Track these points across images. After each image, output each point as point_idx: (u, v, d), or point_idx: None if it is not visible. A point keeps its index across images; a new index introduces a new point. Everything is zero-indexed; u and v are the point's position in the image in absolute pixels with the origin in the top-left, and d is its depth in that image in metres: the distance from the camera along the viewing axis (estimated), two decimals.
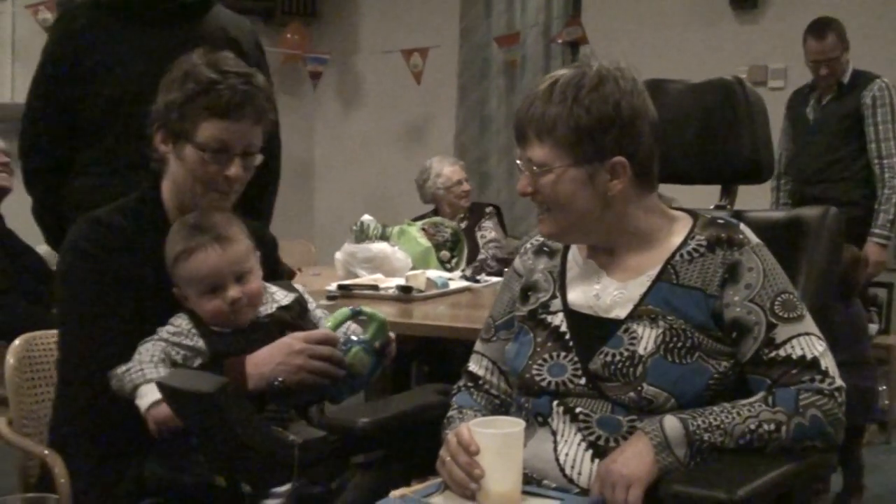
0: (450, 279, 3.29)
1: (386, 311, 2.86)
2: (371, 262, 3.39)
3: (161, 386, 1.36)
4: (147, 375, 1.58)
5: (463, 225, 4.38)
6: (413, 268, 3.39)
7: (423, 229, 3.76)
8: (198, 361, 1.62)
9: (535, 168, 1.53)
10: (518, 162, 1.57)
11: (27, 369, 1.89)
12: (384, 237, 3.57)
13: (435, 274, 3.23)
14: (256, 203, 2.49)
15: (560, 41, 5.58)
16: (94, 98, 2.47)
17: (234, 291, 1.63)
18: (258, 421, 1.40)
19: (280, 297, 1.74)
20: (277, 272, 1.92)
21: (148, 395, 1.56)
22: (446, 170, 4.45)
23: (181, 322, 1.66)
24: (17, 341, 1.91)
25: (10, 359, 1.90)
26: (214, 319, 1.65)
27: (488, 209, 4.46)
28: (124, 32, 2.49)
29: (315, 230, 6.22)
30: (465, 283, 3.31)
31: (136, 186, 1.85)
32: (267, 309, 1.70)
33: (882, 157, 4.07)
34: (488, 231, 4.33)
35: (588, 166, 1.51)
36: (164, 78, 1.74)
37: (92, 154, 2.48)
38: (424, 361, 3.88)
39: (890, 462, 4.04)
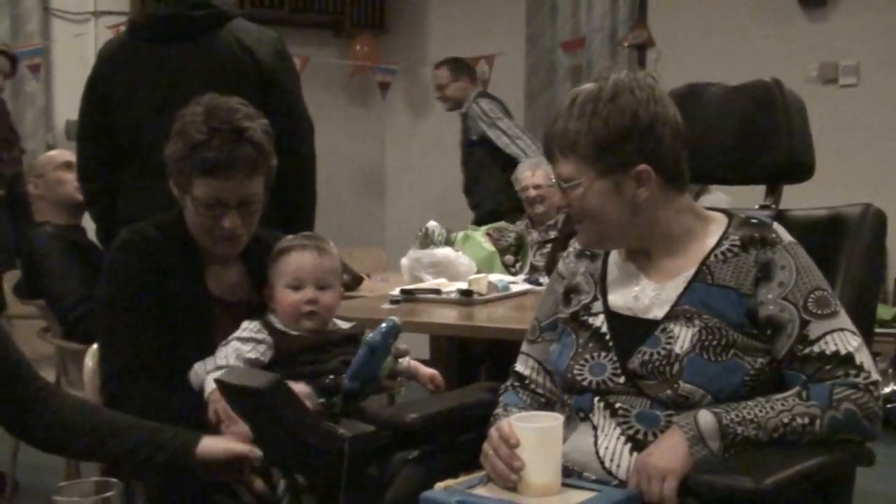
0: (512, 283, 3.34)
1: (448, 315, 2.98)
2: (435, 267, 3.46)
3: (218, 382, 1.46)
4: (218, 362, 1.74)
5: (553, 233, 4.36)
6: (478, 272, 3.45)
7: (488, 234, 3.82)
8: (269, 354, 1.77)
9: (563, 183, 1.59)
10: (552, 178, 1.64)
11: None
12: (449, 242, 3.63)
13: (496, 277, 3.28)
14: (295, 222, 2.60)
15: (626, 45, 5.58)
16: (123, 121, 2.61)
17: (311, 293, 1.82)
18: (310, 416, 1.49)
19: (342, 324, 1.92)
20: None
21: (209, 385, 1.71)
22: (523, 175, 4.43)
23: (248, 324, 1.82)
24: (95, 345, 2.03)
25: (89, 361, 2.02)
26: (288, 312, 1.82)
27: None
28: (142, 54, 2.61)
29: (387, 237, 6.33)
30: (526, 287, 3.35)
31: (164, 203, 1.97)
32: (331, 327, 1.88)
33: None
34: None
35: (613, 177, 1.56)
36: (173, 126, 1.85)
37: (129, 175, 2.62)
38: (494, 364, 3.93)
39: None
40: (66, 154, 3.42)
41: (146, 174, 2.58)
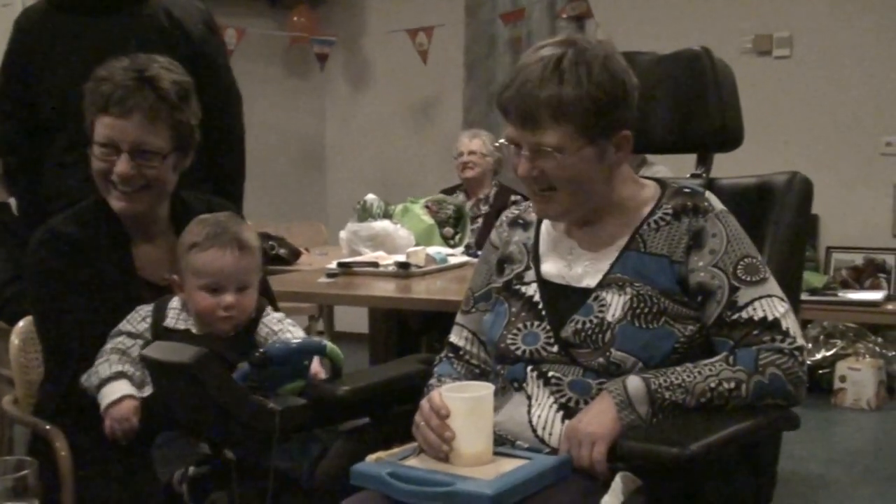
0: (450, 255, 3.34)
1: (386, 288, 2.97)
2: (374, 240, 3.44)
3: (143, 357, 1.43)
4: (102, 375, 1.66)
5: (485, 208, 4.39)
6: (416, 245, 3.44)
7: (427, 206, 3.80)
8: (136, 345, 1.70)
9: (548, 150, 1.52)
10: (503, 142, 1.58)
11: (31, 349, 1.97)
12: (387, 215, 3.61)
13: (434, 250, 3.27)
14: (225, 196, 2.58)
15: (565, 16, 5.59)
16: (47, 95, 2.53)
17: (231, 298, 1.69)
18: (238, 390, 1.47)
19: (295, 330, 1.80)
20: None
21: (106, 397, 1.65)
22: (461, 140, 4.57)
23: (142, 309, 1.75)
24: (21, 323, 1.98)
25: (15, 339, 1.98)
26: (203, 315, 1.71)
27: (514, 197, 4.25)
28: (68, 26, 2.52)
29: (328, 210, 6.29)
30: (464, 259, 3.35)
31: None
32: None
33: None
34: None
35: (600, 143, 1.54)
36: None
37: (54, 149, 2.55)
38: (435, 337, 3.94)
39: None
40: None
41: (74, 149, 2.51)
